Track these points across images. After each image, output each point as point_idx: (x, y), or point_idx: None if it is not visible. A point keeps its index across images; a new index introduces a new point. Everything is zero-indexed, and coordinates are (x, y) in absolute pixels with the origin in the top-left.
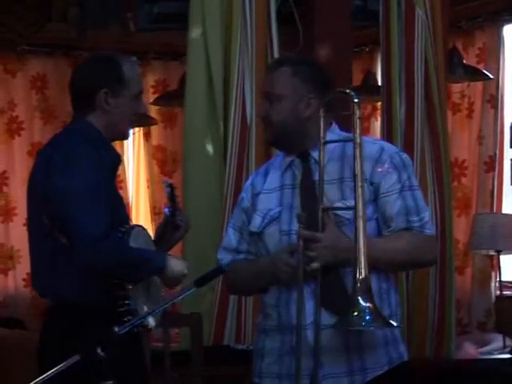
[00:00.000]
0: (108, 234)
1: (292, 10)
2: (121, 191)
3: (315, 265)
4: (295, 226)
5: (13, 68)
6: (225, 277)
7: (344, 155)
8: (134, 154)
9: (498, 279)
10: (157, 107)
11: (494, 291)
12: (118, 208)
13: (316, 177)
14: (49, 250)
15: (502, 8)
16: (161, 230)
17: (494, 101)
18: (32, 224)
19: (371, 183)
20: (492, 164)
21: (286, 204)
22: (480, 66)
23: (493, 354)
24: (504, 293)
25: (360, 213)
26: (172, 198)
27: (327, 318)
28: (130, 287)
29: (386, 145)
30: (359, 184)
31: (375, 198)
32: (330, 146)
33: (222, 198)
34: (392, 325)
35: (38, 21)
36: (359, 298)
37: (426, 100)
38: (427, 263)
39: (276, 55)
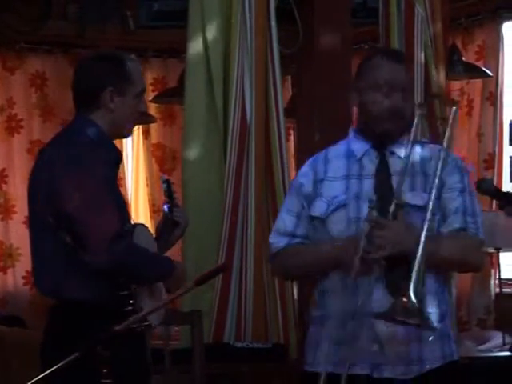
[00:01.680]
0: (121, 234)
1: (291, 6)
2: (120, 189)
3: (381, 253)
4: (364, 213)
5: (12, 66)
6: (276, 260)
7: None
8: (133, 151)
9: (497, 277)
10: (156, 105)
11: (494, 289)
12: (121, 206)
13: (392, 170)
14: (52, 249)
15: (501, 5)
16: (160, 228)
17: (493, 98)
18: (34, 223)
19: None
20: (491, 161)
21: (353, 193)
22: (479, 64)
23: (492, 351)
24: (504, 290)
25: (429, 216)
26: (169, 194)
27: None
28: (135, 287)
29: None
30: (434, 188)
31: (439, 194)
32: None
33: (222, 195)
34: (430, 327)
35: (38, 18)
36: (411, 292)
37: (425, 97)
38: (476, 267)
39: (275, 52)
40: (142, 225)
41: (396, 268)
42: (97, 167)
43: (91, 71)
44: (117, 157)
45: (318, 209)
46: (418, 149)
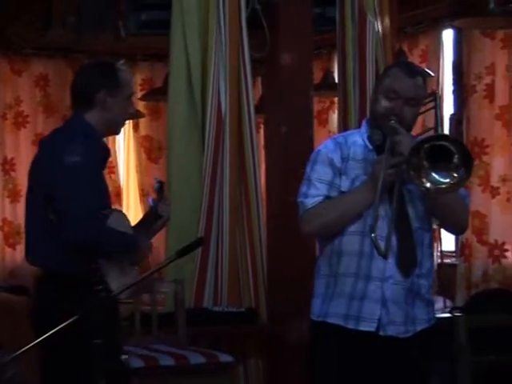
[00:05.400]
0: (95, 215)
1: (260, 17)
2: (113, 176)
3: (401, 158)
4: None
5: (19, 69)
6: (310, 213)
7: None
8: (124, 143)
9: (439, 249)
10: (144, 102)
11: (436, 259)
12: (103, 194)
13: None
14: (41, 225)
15: (441, 15)
16: (143, 217)
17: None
18: (30, 203)
19: None
20: None
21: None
22: (423, 66)
23: (435, 313)
24: (444, 261)
25: None
26: (159, 192)
27: (399, 276)
28: (103, 261)
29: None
30: None
31: None
32: None
33: (201, 179)
34: None
35: (41, 27)
36: None
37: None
38: (464, 226)
39: (247, 57)
40: (119, 211)
41: (404, 243)
42: (84, 159)
43: (89, 75)
44: (104, 151)
45: (345, 184)
46: None
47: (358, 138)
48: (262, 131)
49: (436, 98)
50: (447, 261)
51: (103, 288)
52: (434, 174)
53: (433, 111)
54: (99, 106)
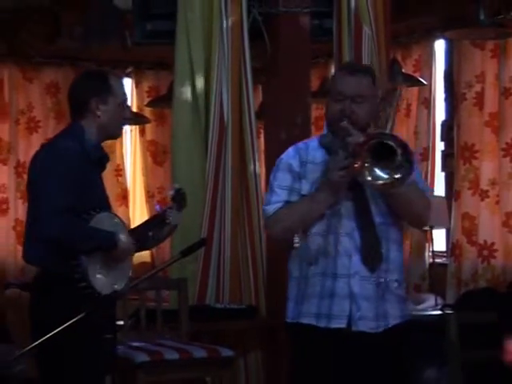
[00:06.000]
0: (67, 212)
1: (261, 28)
2: (120, 178)
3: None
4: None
5: (30, 76)
6: (272, 218)
7: None
8: (131, 147)
9: (431, 249)
10: (150, 109)
11: (428, 259)
12: (92, 195)
13: None
14: (29, 222)
15: (434, 26)
16: (146, 221)
17: (427, 103)
18: (28, 203)
19: None
20: (426, 154)
21: None
22: (416, 74)
23: (427, 310)
24: (436, 260)
25: None
26: (173, 198)
27: (365, 271)
28: (84, 257)
29: None
30: None
31: None
32: None
33: (205, 182)
34: None
35: (50, 37)
36: None
37: None
38: (424, 221)
39: (248, 65)
40: (110, 213)
41: (368, 238)
42: (68, 161)
43: (81, 85)
44: (100, 156)
45: (305, 187)
46: None
47: (317, 140)
48: (262, 137)
49: (395, 95)
50: (438, 260)
51: (87, 286)
52: (376, 170)
53: (425, 117)
54: (92, 113)
